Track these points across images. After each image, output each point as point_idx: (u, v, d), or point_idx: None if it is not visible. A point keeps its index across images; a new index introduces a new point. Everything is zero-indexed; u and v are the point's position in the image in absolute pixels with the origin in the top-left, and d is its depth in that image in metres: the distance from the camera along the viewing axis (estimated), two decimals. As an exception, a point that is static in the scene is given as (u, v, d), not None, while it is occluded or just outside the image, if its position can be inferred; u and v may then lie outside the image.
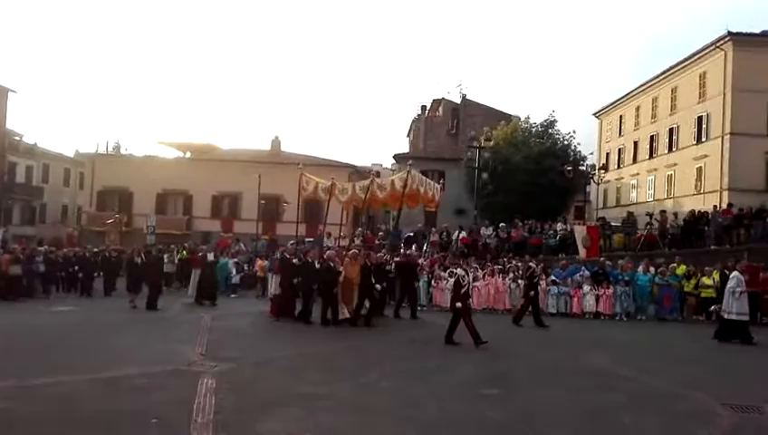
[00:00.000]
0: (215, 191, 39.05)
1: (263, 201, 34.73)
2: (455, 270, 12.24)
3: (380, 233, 28.17)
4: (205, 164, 39.38)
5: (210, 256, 18.88)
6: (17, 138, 44.49)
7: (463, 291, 11.49)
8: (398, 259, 17.09)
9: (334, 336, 12.50)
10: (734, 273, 13.47)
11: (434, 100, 53.87)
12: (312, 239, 27.49)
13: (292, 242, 27.15)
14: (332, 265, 13.94)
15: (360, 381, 8.23)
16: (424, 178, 18.68)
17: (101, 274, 21.38)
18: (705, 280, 17.39)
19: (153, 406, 6.71)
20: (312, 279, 14.14)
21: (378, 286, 14.34)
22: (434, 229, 25.95)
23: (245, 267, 23.37)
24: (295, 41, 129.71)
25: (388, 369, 9.17)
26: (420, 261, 19.07)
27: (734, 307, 12.95)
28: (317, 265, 14.37)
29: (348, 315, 13.81)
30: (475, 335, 11.12)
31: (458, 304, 11.35)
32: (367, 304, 14.02)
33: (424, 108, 54.00)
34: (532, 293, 15.01)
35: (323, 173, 38.62)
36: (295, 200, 38.63)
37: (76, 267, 20.60)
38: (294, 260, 14.82)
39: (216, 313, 15.73)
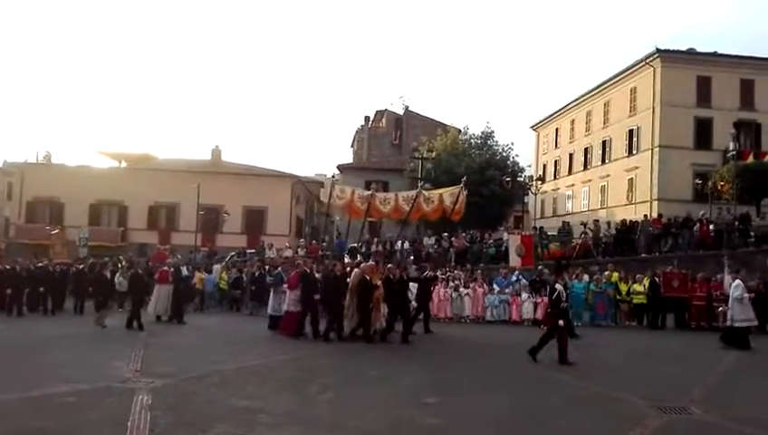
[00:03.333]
0: (151, 202, 38.00)
1: (202, 212, 34.03)
2: (555, 286, 11.00)
3: (324, 243, 28.07)
4: (141, 174, 38.28)
5: (184, 271, 17.77)
6: (-61, 146, 42.17)
7: (563, 306, 10.94)
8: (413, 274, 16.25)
9: (274, 348, 12.33)
10: (737, 281, 13.72)
11: (377, 111, 54.37)
12: (253, 250, 27.14)
13: (232, 253, 26.84)
14: (368, 278, 13.27)
15: (301, 394, 8.15)
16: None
17: (43, 290, 18.81)
18: (637, 287, 18.09)
19: (84, 425, 6.45)
20: (338, 293, 13.44)
21: (414, 302, 14.01)
22: (377, 239, 26.07)
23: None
24: (237, 49, 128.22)
25: (329, 380, 9.11)
26: (438, 274, 18.32)
27: (741, 314, 13.37)
28: (346, 279, 13.74)
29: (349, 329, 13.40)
30: (565, 355, 10.74)
31: (560, 322, 10.82)
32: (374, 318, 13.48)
33: (367, 119, 54.38)
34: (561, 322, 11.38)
35: (266, 183, 38.80)
36: (237, 210, 38.04)
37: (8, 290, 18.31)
38: (317, 274, 14.07)
39: (158, 329, 15.12)
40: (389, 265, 15.32)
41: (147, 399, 7.45)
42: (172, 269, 17.36)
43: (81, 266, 20.60)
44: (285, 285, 15.03)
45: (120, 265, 19.72)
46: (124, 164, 41.81)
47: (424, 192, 18.21)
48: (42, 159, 43.09)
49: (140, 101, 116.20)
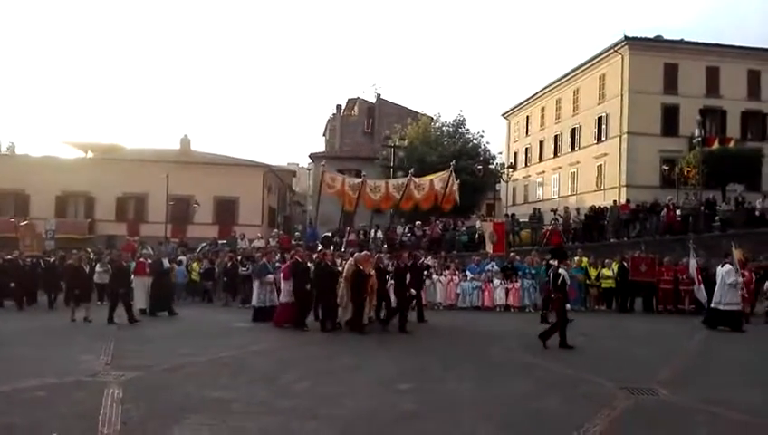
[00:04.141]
0: (119, 193, 37.42)
1: (171, 202, 33.59)
2: (560, 270, 11.26)
3: (297, 233, 27.95)
4: (108, 164, 37.61)
5: (166, 263, 17.39)
6: None
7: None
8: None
9: (247, 339, 12.26)
10: (727, 266, 13.98)
11: (349, 99, 54.10)
12: (224, 241, 26.89)
13: (204, 244, 26.56)
14: (362, 268, 13.10)
15: (276, 384, 8.13)
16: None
17: (14, 284, 18.19)
18: (606, 271, 18.42)
19: (53, 419, 6.34)
20: (330, 283, 13.33)
21: (413, 291, 13.91)
22: (349, 229, 26.00)
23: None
24: (206, 37, 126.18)
25: (304, 370, 9.11)
26: (429, 262, 18.21)
27: (728, 298, 13.69)
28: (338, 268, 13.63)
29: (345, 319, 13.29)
30: (564, 338, 10.98)
31: (567, 306, 11.26)
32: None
33: (339, 107, 54.09)
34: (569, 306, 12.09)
35: (237, 173, 38.44)
36: (208, 201, 37.63)
37: None
38: (309, 264, 13.87)
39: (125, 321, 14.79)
40: (402, 252, 15.22)
41: (118, 392, 7.36)
42: (149, 261, 17.09)
43: (53, 259, 20.19)
44: (270, 276, 14.94)
45: (98, 258, 19.19)
46: (91, 154, 41.02)
47: (414, 179, 17.99)
48: (5, 149, 41.99)
49: (107, 90, 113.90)
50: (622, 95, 34.44)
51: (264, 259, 15.84)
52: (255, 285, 15.43)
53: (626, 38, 34.06)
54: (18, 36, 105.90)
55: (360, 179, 18.06)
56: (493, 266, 18.94)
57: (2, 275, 18.23)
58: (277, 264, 15.83)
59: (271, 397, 7.44)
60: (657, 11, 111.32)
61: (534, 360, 9.99)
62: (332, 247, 20.81)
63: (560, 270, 11.28)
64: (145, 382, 8.12)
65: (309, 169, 50.75)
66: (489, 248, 20.41)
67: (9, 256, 19.24)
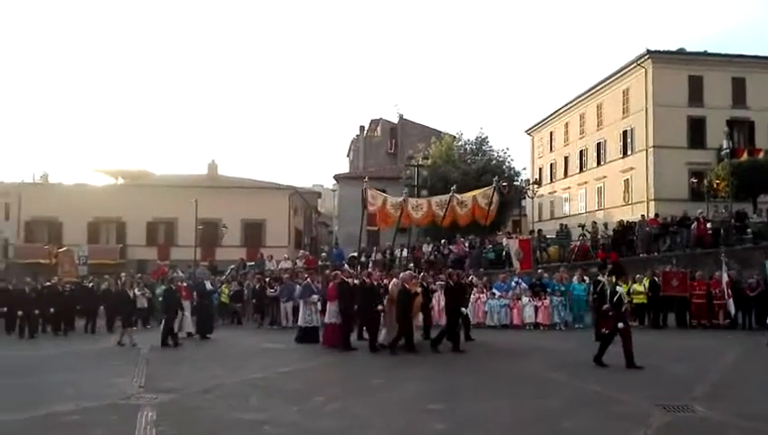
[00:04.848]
0: (150, 218, 38.04)
1: (200, 226, 34.06)
2: (617, 288, 10.86)
3: (323, 254, 28.07)
4: (138, 190, 38.37)
5: (208, 285, 17.40)
6: (-65, 169, 42.16)
7: (623, 309, 10.89)
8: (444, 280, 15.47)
9: (278, 360, 12.33)
10: None
11: (372, 120, 54.49)
12: (252, 263, 27.13)
13: (232, 266, 26.83)
14: (408, 287, 12.91)
15: (306, 405, 8.16)
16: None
17: (53, 310, 18.19)
18: (637, 287, 18.11)
19: (90, 442, 6.46)
20: (373, 303, 13.22)
21: (464, 310, 13.77)
22: (376, 248, 26.06)
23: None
24: (231, 63, 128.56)
25: (334, 390, 9.14)
26: (473, 280, 17.78)
27: None
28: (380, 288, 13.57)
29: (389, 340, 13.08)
30: (630, 358, 10.57)
31: (620, 324, 10.69)
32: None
33: (362, 128, 54.48)
34: (621, 325, 10.91)
35: (264, 195, 38.89)
36: (236, 224, 38.06)
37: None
38: (356, 282, 13.75)
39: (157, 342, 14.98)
40: (450, 270, 15.05)
41: (151, 415, 7.48)
42: (188, 284, 17.05)
43: (91, 285, 20.49)
44: (315, 296, 14.95)
45: (137, 283, 18.99)
46: (121, 181, 41.87)
47: (457, 196, 17.79)
48: (39, 178, 43.14)
49: (136, 117, 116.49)
50: (647, 109, 34.11)
51: (308, 279, 15.86)
52: (300, 305, 15.37)
53: (648, 52, 33.83)
54: (50, 68, 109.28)
55: (402, 198, 17.92)
56: (520, 284, 18.76)
57: (42, 302, 18.30)
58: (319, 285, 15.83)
59: (302, 418, 7.47)
60: (679, 25, 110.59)
61: (566, 378, 9.86)
62: (359, 267, 20.88)
63: (617, 288, 10.94)
64: (178, 405, 8.23)
65: (334, 190, 51.07)
66: (515, 266, 20.23)
67: (48, 283, 19.46)
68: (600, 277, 15.68)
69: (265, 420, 7.26)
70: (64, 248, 30.99)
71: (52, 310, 18.18)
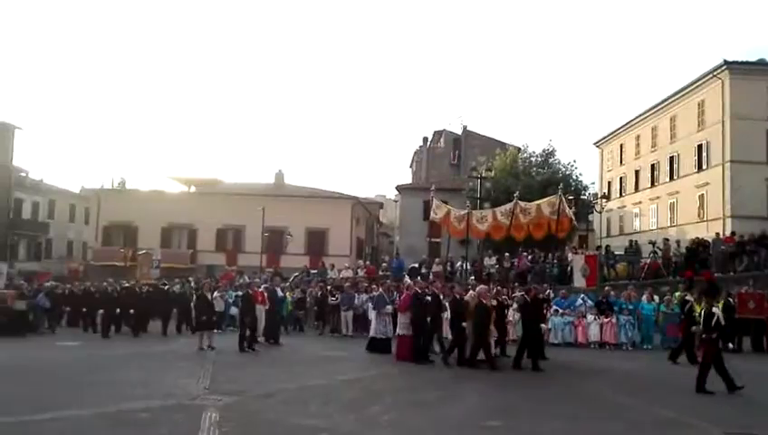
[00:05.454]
0: (219, 225, 39.27)
1: (266, 234, 34.94)
2: (713, 309, 10.43)
3: (384, 264, 28.21)
4: (209, 198, 39.73)
5: (279, 292, 17.53)
6: (23, 174, 45.07)
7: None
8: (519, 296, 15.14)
9: (337, 368, 12.48)
10: None
11: (435, 131, 54.48)
12: (315, 271, 27.61)
13: (296, 274, 27.39)
14: (485, 301, 12.83)
15: (363, 414, 8.23)
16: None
17: (133, 311, 18.88)
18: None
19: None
20: (460, 316, 13.03)
21: (543, 326, 13.65)
22: (437, 260, 25.99)
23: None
24: (299, 76, 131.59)
25: (392, 401, 9.17)
26: (550, 295, 17.46)
27: None
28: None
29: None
30: (702, 382, 10.08)
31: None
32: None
33: (426, 139, 54.53)
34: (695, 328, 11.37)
35: (327, 205, 39.52)
36: (300, 232, 38.73)
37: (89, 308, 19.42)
38: (427, 298, 13.51)
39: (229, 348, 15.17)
40: (535, 286, 14.80)
41: (215, 416, 7.72)
42: (261, 288, 17.15)
43: (167, 287, 21.25)
44: (389, 307, 14.96)
45: (218, 287, 19.46)
46: (193, 189, 43.48)
47: (520, 203, 17.44)
48: (116, 184, 45.38)
49: (209, 127, 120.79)
50: (723, 122, 32.62)
51: (381, 289, 15.90)
52: (373, 315, 15.38)
53: (725, 62, 32.39)
54: (128, 83, 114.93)
55: (465, 211, 17.72)
56: (585, 301, 18.26)
57: (122, 303, 19.01)
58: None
59: (358, 427, 7.55)
60: (756, 35, 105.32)
61: (631, 400, 9.51)
62: (419, 278, 20.87)
63: (713, 309, 10.46)
64: (240, 407, 8.48)
65: (396, 201, 51.28)
66: (578, 282, 19.64)
67: (127, 284, 20.28)
68: (687, 297, 15.13)
69: (323, 428, 7.38)
70: (144, 251, 32.44)
71: (131, 311, 18.80)
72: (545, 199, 17.77)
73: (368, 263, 30.73)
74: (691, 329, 13.13)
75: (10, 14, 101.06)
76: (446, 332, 14.52)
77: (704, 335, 10.49)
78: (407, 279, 21.24)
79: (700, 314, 10.65)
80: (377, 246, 53.07)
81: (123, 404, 8.45)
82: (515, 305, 17.83)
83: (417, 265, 25.31)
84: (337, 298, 19.88)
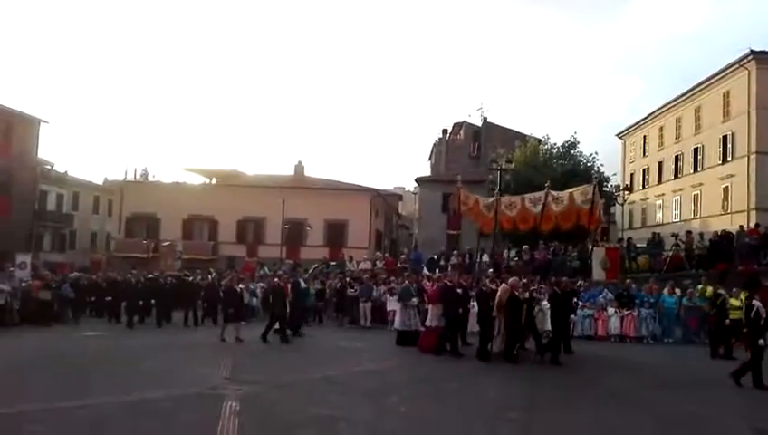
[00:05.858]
0: (240, 216, 39.52)
1: (287, 225, 35.13)
2: (753, 302, 10.22)
3: (402, 256, 28.17)
4: (230, 190, 39.98)
5: (302, 284, 17.40)
6: (48, 167, 45.65)
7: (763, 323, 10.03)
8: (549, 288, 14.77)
9: (356, 359, 12.54)
10: None
11: (455, 123, 54.07)
12: (334, 263, 27.70)
13: (315, 265, 27.53)
14: (516, 293, 12.60)
15: (380, 405, 8.27)
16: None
17: (154, 301, 19.15)
18: (733, 301, 17.02)
19: (178, 429, 6.87)
20: (488, 309, 12.78)
21: (573, 317, 13.44)
22: (455, 252, 25.89)
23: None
24: (320, 68, 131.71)
25: (410, 392, 9.20)
26: (580, 285, 17.07)
27: None
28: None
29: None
30: (758, 377, 9.86)
31: (761, 342, 9.91)
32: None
33: (445, 131, 54.20)
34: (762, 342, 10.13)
35: (347, 197, 39.58)
36: (320, 223, 38.87)
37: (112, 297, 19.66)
38: (458, 290, 13.28)
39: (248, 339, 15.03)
40: (564, 278, 14.61)
41: (235, 405, 7.82)
42: (291, 282, 16.92)
43: (191, 278, 21.38)
44: (415, 299, 14.89)
45: (245, 279, 19.45)
46: (214, 181, 43.80)
47: (552, 192, 17.02)
48: (139, 176, 45.77)
49: (230, 119, 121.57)
50: (749, 112, 31.97)
51: (407, 282, 15.84)
52: (398, 308, 15.28)
53: (752, 52, 31.68)
54: (151, 76, 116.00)
55: (494, 198, 17.40)
56: (606, 294, 18.09)
57: (146, 293, 19.19)
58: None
59: (376, 418, 7.60)
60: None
61: (655, 394, 9.43)
62: (438, 270, 20.84)
63: (753, 302, 10.30)
64: (260, 397, 8.58)
65: (415, 193, 51.15)
66: (596, 275, 19.42)
67: (151, 275, 20.44)
68: (720, 290, 14.88)
69: (341, 417, 7.44)
70: (167, 242, 32.78)
71: (153, 301, 19.03)
72: (578, 188, 17.40)
73: (386, 255, 30.72)
74: (725, 322, 12.97)
75: (34, 12, 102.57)
76: (472, 325, 14.26)
77: (745, 329, 10.34)
78: (425, 271, 21.24)
79: (739, 308, 10.41)
80: (396, 238, 53.04)
81: (147, 393, 8.60)
82: (546, 298, 17.65)
83: (435, 257, 25.23)
84: (356, 290, 19.99)
